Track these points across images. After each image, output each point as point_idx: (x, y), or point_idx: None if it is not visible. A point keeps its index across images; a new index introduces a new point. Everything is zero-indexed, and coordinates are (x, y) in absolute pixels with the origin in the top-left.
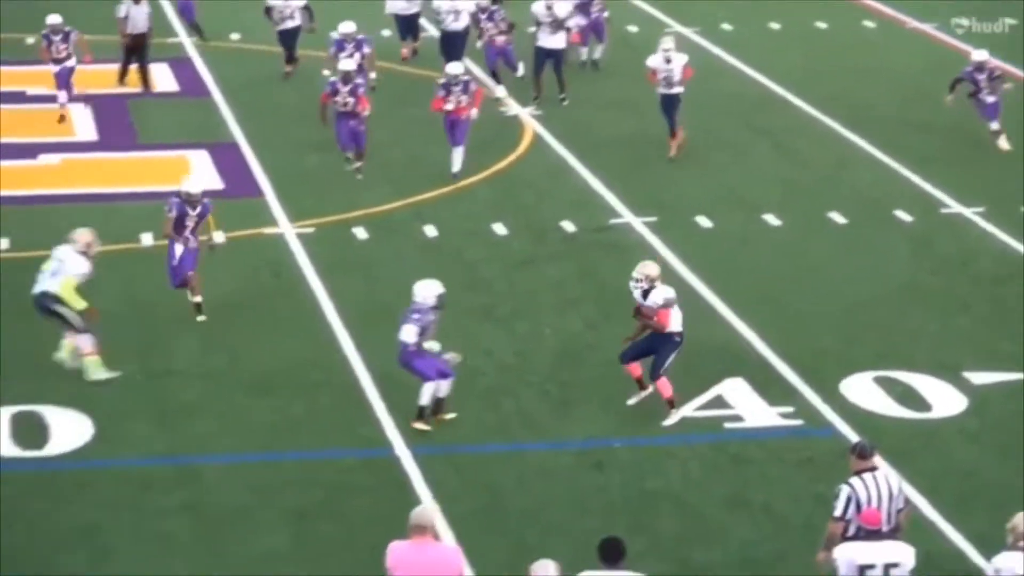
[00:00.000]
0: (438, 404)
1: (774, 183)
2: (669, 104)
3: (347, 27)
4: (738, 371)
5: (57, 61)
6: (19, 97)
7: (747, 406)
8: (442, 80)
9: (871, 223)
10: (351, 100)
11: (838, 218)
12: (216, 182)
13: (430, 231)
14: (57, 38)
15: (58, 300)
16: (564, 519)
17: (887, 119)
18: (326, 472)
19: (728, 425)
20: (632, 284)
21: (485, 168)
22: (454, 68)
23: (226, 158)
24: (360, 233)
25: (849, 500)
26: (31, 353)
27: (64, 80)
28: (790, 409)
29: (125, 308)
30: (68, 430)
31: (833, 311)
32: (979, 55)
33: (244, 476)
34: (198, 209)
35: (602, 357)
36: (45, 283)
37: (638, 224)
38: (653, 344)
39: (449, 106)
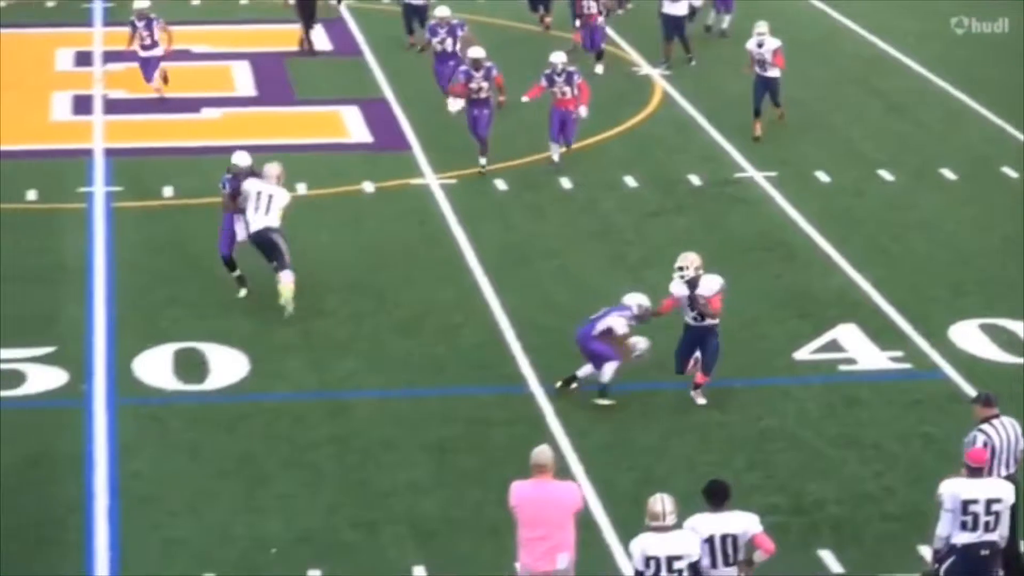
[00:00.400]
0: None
1: (888, 140)
2: (763, 86)
3: (441, 11)
4: (852, 317)
5: (144, 47)
6: (184, 55)
7: (860, 350)
8: (546, 70)
9: (979, 179)
10: (484, 85)
11: (948, 174)
12: (366, 136)
13: (565, 183)
14: (141, 24)
15: (280, 232)
16: (687, 454)
17: (996, 80)
18: (465, 408)
19: (842, 368)
20: (677, 274)
21: (618, 124)
22: (558, 57)
23: (376, 113)
24: (500, 184)
25: (985, 444)
26: (192, 293)
27: (149, 71)
28: (900, 353)
29: None
30: (226, 366)
31: (942, 261)
32: None
33: (389, 411)
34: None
35: (725, 304)
36: (262, 219)
37: (760, 178)
38: (696, 339)
39: (552, 95)
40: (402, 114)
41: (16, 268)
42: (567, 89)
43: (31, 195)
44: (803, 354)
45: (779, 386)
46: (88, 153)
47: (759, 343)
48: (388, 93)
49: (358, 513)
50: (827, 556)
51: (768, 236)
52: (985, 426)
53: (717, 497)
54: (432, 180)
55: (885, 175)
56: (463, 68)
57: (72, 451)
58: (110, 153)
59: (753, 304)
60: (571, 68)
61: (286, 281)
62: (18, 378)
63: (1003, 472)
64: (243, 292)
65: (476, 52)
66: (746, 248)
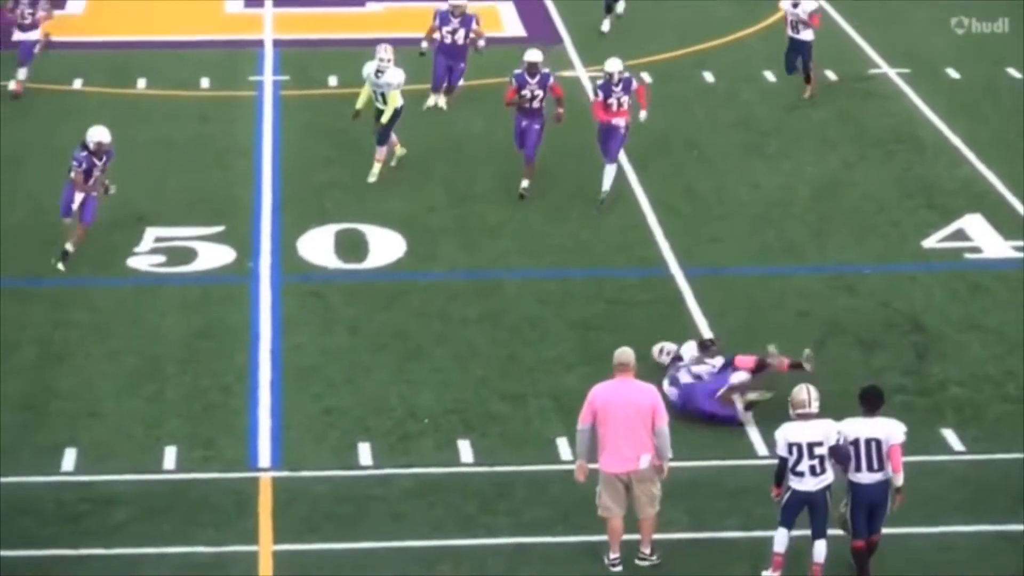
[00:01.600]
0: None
1: (1018, 39)
2: (793, 49)
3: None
4: (978, 207)
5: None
6: None
7: (985, 239)
8: (600, 80)
9: None
10: (539, 93)
11: None
12: (520, 30)
13: (708, 77)
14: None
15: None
16: (817, 336)
17: None
18: (609, 288)
19: (967, 256)
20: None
21: (759, 21)
22: (614, 65)
23: (529, 8)
24: (645, 78)
25: None
26: (353, 176)
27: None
28: (1023, 243)
29: (438, 142)
30: (384, 246)
31: None
32: None
33: (537, 290)
34: (103, 160)
35: (857, 192)
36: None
37: (893, 75)
38: None
39: (611, 111)
40: (554, 9)
41: (188, 152)
42: (624, 99)
43: (205, 83)
44: (931, 242)
45: (907, 272)
46: (259, 44)
47: (889, 231)
48: None
49: (506, 386)
50: (949, 435)
51: (899, 130)
52: None
53: (872, 402)
54: (582, 72)
55: (1014, 73)
56: (517, 72)
57: (238, 325)
58: (278, 44)
59: (884, 194)
60: (627, 75)
61: (381, 154)
62: (189, 255)
63: None
64: (60, 266)
65: (533, 56)
66: (878, 141)
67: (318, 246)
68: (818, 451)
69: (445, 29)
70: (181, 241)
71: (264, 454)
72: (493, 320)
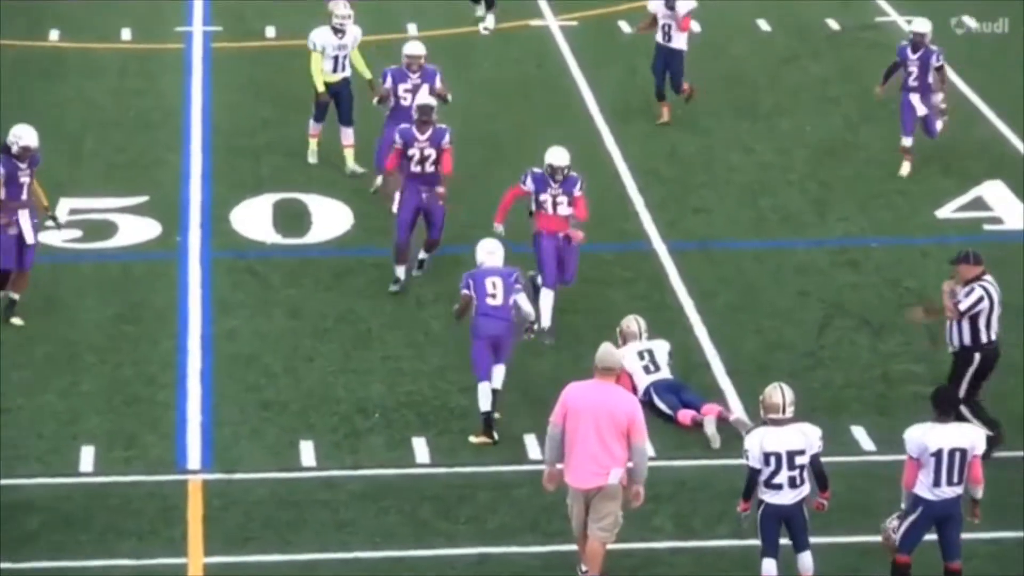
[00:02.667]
0: None
1: None
2: (661, 58)
3: (415, 48)
4: (998, 173)
5: None
6: None
7: (1006, 208)
8: (535, 170)
9: None
10: (432, 153)
11: None
12: None
13: (693, 25)
14: None
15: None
16: (818, 316)
17: None
18: (583, 265)
19: (987, 227)
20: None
21: None
22: (558, 157)
23: None
24: (624, 27)
25: (979, 300)
26: (294, 140)
27: None
28: None
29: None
30: (329, 219)
31: None
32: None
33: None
34: (28, 166)
35: (862, 156)
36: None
37: (902, 22)
38: None
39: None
40: None
41: (108, 112)
42: (563, 200)
43: (126, 34)
44: (945, 212)
45: (919, 246)
46: None
47: (898, 199)
48: None
49: (466, 377)
50: None
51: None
52: (981, 282)
53: (945, 405)
54: (552, 22)
55: None
56: (403, 127)
57: (165, 306)
58: None
59: (892, 157)
60: (572, 173)
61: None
62: (110, 229)
63: (993, 336)
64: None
65: (423, 98)
66: (885, 98)
67: (254, 218)
68: (799, 461)
69: (402, 87)
70: (99, 213)
71: (194, 454)
72: (451, 301)
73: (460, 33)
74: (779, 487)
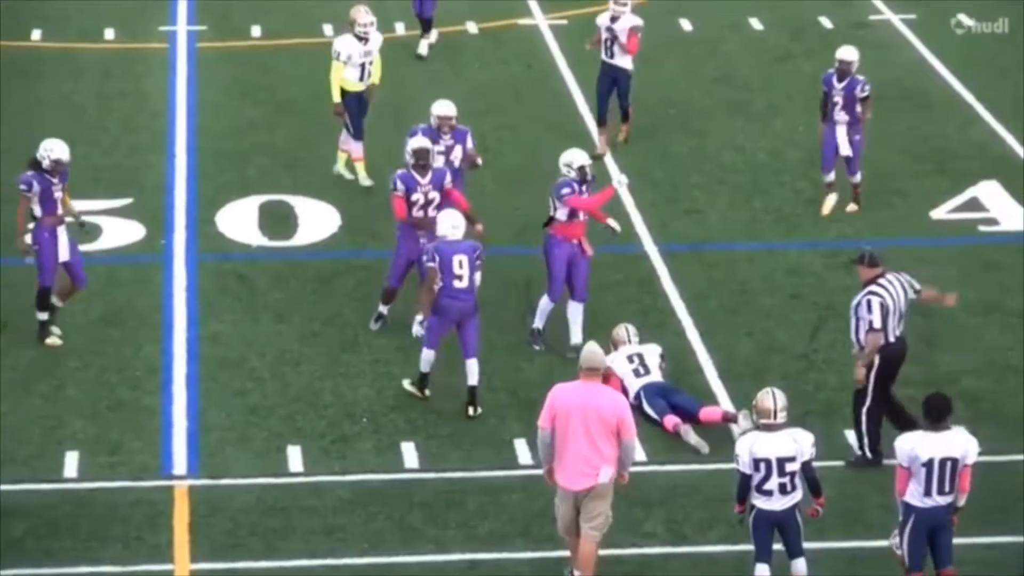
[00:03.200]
0: None
1: None
2: (607, 76)
3: (446, 107)
4: (994, 173)
5: None
6: None
7: (1002, 209)
8: (572, 176)
9: None
10: (436, 197)
11: None
12: None
13: (686, 24)
14: None
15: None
16: (809, 319)
17: None
18: None
19: (982, 228)
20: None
21: None
22: (579, 157)
23: None
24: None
25: (881, 307)
26: (280, 141)
27: None
28: None
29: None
30: (316, 221)
31: None
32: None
33: (490, 270)
34: (58, 178)
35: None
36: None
37: (897, 21)
38: None
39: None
40: None
41: (90, 114)
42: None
43: (109, 34)
44: (940, 213)
45: (913, 247)
46: None
47: (892, 200)
48: None
49: (456, 380)
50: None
51: (903, 83)
52: (875, 287)
53: (939, 412)
54: (541, 21)
55: None
56: (401, 172)
57: (150, 310)
58: None
59: (886, 157)
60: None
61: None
62: (94, 232)
63: (897, 332)
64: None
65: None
66: (880, 97)
67: (240, 221)
68: (790, 467)
69: (436, 149)
70: (84, 216)
71: (180, 460)
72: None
73: (448, 32)
74: (769, 493)
